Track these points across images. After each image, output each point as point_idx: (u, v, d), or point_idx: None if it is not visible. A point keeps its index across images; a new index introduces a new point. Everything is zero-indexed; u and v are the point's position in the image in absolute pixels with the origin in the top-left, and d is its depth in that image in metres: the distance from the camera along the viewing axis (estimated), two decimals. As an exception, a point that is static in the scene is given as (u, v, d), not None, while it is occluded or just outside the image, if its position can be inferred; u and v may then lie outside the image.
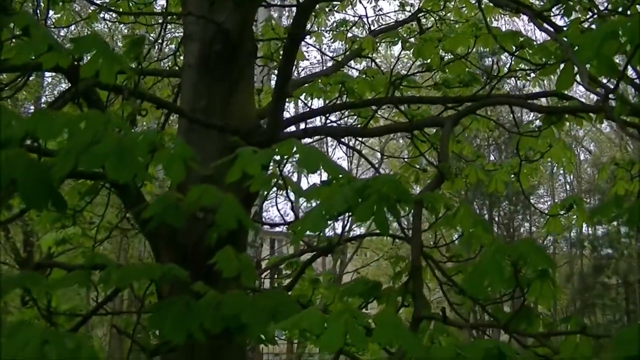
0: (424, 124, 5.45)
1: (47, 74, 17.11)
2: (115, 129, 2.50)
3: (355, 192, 2.79)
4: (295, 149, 2.98)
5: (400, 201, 2.89)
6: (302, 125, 5.68)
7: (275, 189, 3.62)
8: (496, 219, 31.39)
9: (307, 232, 3.11)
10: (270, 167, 3.09)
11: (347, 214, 2.89)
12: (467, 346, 2.59)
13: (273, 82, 7.12)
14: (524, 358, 2.29)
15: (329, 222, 2.92)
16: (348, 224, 23.88)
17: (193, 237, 4.28)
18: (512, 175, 6.97)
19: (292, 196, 3.55)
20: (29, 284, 3.79)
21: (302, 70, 23.14)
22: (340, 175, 3.04)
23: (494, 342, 2.56)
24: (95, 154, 2.38)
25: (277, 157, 3.05)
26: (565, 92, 5.51)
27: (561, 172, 37.20)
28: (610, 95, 3.04)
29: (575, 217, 6.46)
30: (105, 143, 2.39)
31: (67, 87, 6.08)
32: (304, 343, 28.60)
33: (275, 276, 4.48)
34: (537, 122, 6.47)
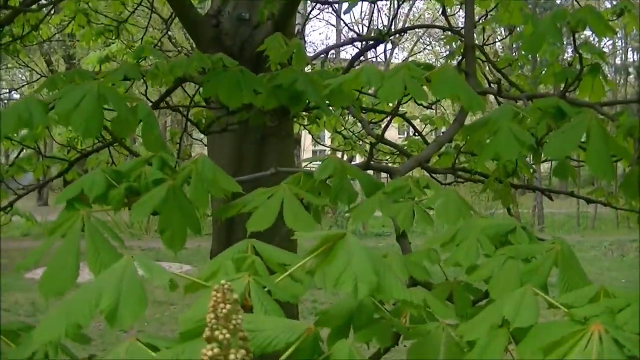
0: None
1: None
2: None
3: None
4: None
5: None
6: None
7: None
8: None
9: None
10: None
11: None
12: (524, 109, 2.57)
13: None
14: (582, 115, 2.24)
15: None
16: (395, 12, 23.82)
17: (239, 40, 4.24)
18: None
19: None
20: (77, 78, 3.80)
21: None
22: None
23: (554, 100, 2.53)
24: None
25: None
26: None
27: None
28: None
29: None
30: None
31: None
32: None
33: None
34: None
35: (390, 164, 8.06)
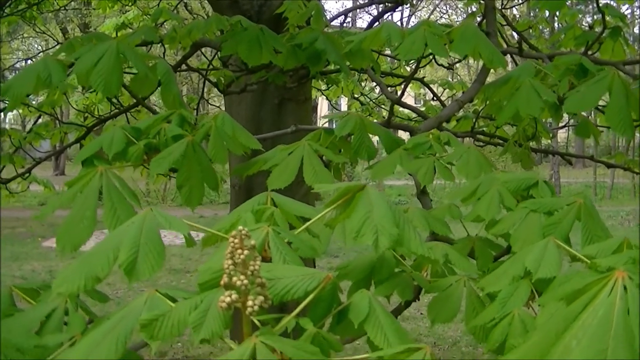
0: None
1: None
2: None
3: None
4: None
5: None
6: None
7: None
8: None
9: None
10: None
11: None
12: (546, 66, 2.53)
13: None
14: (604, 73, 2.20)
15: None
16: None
17: (256, 3, 4.22)
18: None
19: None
20: (95, 40, 3.79)
21: None
22: None
23: (576, 57, 2.49)
24: None
25: None
26: None
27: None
28: None
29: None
30: None
31: None
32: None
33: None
34: None
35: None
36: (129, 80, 2.56)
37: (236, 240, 1.09)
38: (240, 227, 1.09)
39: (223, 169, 4.56)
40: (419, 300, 1.87)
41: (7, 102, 3.33)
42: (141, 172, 6.65)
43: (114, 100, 5.28)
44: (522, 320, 1.37)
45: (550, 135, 4.12)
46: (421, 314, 8.46)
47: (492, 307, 1.45)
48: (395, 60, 6.35)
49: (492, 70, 2.97)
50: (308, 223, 1.43)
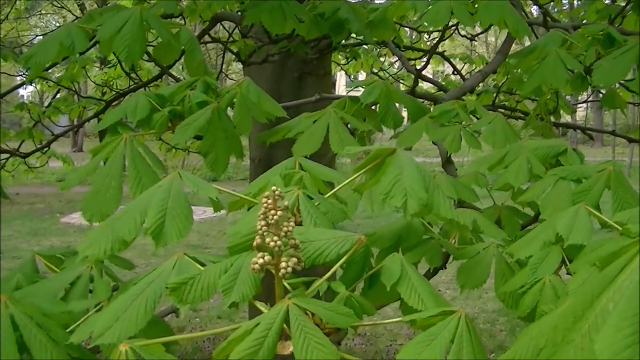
0: None
1: None
2: None
3: None
4: None
5: None
6: None
7: None
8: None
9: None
10: None
11: None
12: (572, 35, 2.50)
13: None
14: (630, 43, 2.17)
15: None
16: None
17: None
18: None
19: None
20: (115, 9, 3.78)
21: None
22: None
23: (603, 26, 2.46)
24: None
25: None
26: None
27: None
28: None
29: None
30: None
31: None
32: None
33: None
34: None
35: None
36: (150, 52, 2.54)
37: (269, 201, 1.07)
38: (274, 188, 1.08)
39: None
40: (445, 268, 1.86)
41: (27, 74, 3.32)
42: (160, 147, 6.66)
43: (133, 75, 5.27)
44: (554, 287, 1.36)
45: (571, 110, 4.08)
46: (439, 290, 8.46)
47: (523, 273, 1.43)
48: (415, 34, 6.31)
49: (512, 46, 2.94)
50: (339, 187, 1.42)
